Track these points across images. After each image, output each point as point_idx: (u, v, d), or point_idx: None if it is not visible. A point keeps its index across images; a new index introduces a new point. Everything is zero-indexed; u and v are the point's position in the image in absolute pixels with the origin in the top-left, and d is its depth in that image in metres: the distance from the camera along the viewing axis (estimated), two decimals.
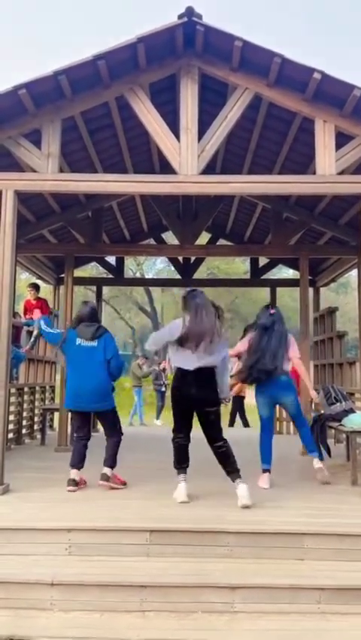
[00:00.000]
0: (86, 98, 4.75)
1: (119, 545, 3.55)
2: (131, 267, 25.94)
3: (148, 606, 3.16)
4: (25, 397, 7.95)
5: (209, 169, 4.86)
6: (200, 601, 3.17)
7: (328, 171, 4.64)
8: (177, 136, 4.70)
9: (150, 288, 28.04)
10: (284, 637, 2.93)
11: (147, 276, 26.95)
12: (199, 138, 4.69)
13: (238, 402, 11.14)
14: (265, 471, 4.75)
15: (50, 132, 4.70)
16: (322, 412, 6.16)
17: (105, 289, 28.23)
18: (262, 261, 9.40)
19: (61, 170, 4.76)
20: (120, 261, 9.49)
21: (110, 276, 9.64)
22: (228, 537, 3.55)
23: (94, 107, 4.97)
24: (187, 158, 4.66)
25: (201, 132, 4.72)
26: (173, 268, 9.82)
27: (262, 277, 9.41)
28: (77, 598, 3.18)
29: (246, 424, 11.18)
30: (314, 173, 4.73)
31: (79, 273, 10.67)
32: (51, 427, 9.15)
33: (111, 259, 9.76)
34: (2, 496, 4.29)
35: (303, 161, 5.73)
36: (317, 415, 6.07)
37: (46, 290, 10.41)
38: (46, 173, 4.67)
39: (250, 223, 8.49)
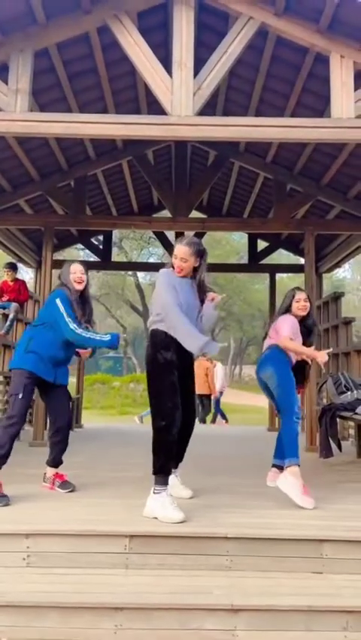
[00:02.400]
0: (62, 24, 4.05)
1: (91, 554, 2.82)
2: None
3: (124, 635, 2.43)
4: (1, 387, 7.19)
5: (207, 113, 4.16)
6: (192, 627, 2.45)
7: (345, 114, 3.96)
8: (170, 73, 4.01)
9: (142, 286, 27.35)
10: None
11: (138, 273, 26.27)
12: (195, 75, 4.00)
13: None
14: (272, 466, 4.00)
15: (19, 64, 3.99)
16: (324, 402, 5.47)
17: (95, 285, 27.47)
18: (261, 245, 8.75)
19: (31, 111, 4.03)
20: (107, 244, 8.79)
21: (97, 259, 8.94)
22: (227, 544, 2.83)
23: (72, 41, 4.27)
24: (181, 97, 3.96)
25: (198, 70, 4.03)
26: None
27: (260, 262, 8.76)
28: (32, 624, 2.44)
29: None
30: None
31: (64, 257, 9.98)
32: (30, 421, 8.40)
33: (99, 243, 9.07)
34: None
35: (316, 113, 5.04)
36: (326, 406, 5.37)
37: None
38: (14, 112, 3.96)
39: (250, 200, 7.82)
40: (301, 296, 3.96)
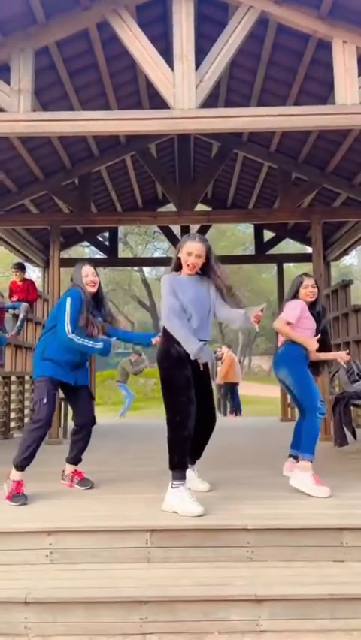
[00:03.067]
0: (62, 22, 4.02)
1: (113, 550, 2.85)
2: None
3: (150, 627, 2.45)
4: (13, 387, 7.26)
5: (209, 105, 4.13)
6: (216, 618, 2.47)
7: (350, 100, 3.91)
8: (171, 67, 3.98)
9: (148, 281, 27.34)
10: None
11: (145, 269, 26.23)
12: (197, 67, 3.97)
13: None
14: (289, 456, 4.00)
15: (20, 64, 3.98)
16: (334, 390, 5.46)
17: (102, 282, 27.74)
18: (267, 236, 8.72)
19: (34, 111, 4.02)
20: (114, 240, 8.79)
21: (104, 256, 8.94)
22: (248, 535, 2.85)
23: (72, 39, 4.26)
24: (183, 90, 3.92)
25: (199, 62, 4.00)
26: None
27: (267, 253, 8.72)
28: (58, 619, 2.47)
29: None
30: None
31: (71, 255, 10.02)
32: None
33: (104, 239, 9.07)
34: None
35: (319, 100, 4.99)
36: (340, 394, 5.35)
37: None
38: (17, 112, 3.94)
39: (254, 191, 7.78)
40: (308, 282, 3.93)
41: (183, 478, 3.16)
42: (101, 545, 2.86)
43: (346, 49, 3.97)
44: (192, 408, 3.18)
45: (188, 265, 3.29)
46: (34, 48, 4.04)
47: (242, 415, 11.66)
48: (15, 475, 3.47)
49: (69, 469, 3.86)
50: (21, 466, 3.49)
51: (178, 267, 3.39)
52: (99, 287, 3.83)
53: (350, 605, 2.50)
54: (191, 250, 3.27)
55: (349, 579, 2.63)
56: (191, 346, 3.12)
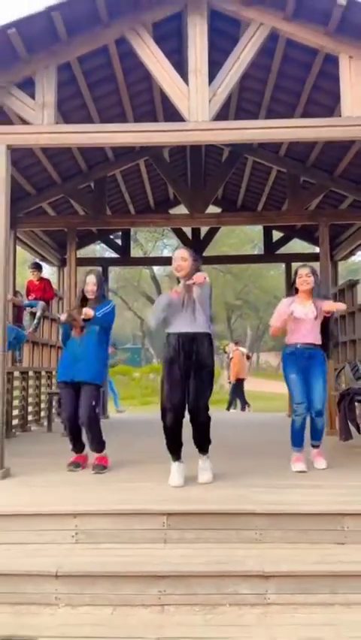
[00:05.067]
0: (83, 39, 4.27)
1: (133, 531, 3.12)
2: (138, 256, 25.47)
3: (168, 599, 2.72)
4: (31, 382, 7.55)
5: (221, 117, 4.36)
6: (228, 592, 2.73)
7: (355, 113, 4.13)
8: (186, 81, 4.22)
9: (157, 277, 27.59)
10: (327, 632, 2.48)
11: (154, 267, 26.48)
12: (210, 81, 4.21)
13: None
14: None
15: (44, 80, 4.24)
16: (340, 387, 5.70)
17: (111, 279, 27.94)
18: (276, 236, 8.93)
19: (56, 123, 4.28)
20: (126, 240, 9.05)
21: (117, 256, 9.20)
22: (257, 519, 3.10)
23: (92, 53, 4.49)
24: (197, 103, 4.17)
25: (212, 76, 4.23)
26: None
27: (276, 252, 8.94)
28: (85, 591, 2.75)
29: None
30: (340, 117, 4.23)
31: (85, 254, 10.30)
32: (59, 414, 8.77)
33: (118, 241, 9.32)
34: (2, 481, 3.87)
35: (326, 110, 5.21)
36: (345, 391, 5.59)
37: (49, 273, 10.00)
38: (41, 125, 4.22)
39: (264, 193, 8.00)
40: (302, 271, 4.26)
41: (172, 459, 3.76)
42: (121, 527, 3.13)
43: (352, 64, 4.19)
44: (168, 408, 3.68)
45: (176, 270, 3.81)
46: (58, 64, 4.31)
47: (249, 409, 11.95)
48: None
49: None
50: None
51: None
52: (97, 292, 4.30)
53: (349, 582, 2.75)
54: (176, 256, 3.85)
55: (348, 559, 2.88)
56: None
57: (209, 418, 3.76)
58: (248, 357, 13.38)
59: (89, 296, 4.28)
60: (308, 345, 4.19)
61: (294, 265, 9.30)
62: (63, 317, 4.33)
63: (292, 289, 4.35)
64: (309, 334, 4.19)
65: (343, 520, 3.10)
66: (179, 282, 3.88)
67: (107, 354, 4.50)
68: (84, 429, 4.20)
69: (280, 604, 2.70)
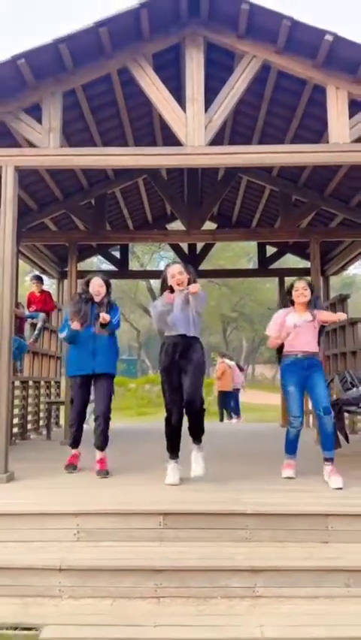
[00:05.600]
0: (87, 69, 4.57)
1: (131, 530, 3.33)
2: (134, 268, 25.76)
3: (163, 592, 2.93)
4: (30, 392, 7.75)
5: (216, 143, 4.64)
6: (219, 585, 2.95)
7: (342, 139, 4.43)
8: (183, 109, 4.52)
9: (154, 289, 27.86)
10: (311, 621, 2.69)
11: (151, 280, 26.74)
12: (206, 108, 4.50)
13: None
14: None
15: (50, 106, 4.53)
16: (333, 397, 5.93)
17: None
18: (270, 251, 9.21)
19: (61, 146, 4.55)
20: (124, 254, 9.30)
21: (115, 269, 9.45)
22: (247, 519, 3.32)
23: (95, 80, 4.78)
24: (194, 129, 4.46)
25: (208, 101, 4.53)
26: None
27: (269, 267, 9.22)
28: (87, 584, 2.96)
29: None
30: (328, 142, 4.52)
31: (83, 267, 10.52)
32: (57, 423, 8.95)
33: (116, 253, 9.57)
34: (7, 484, 4.07)
35: (315, 134, 5.51)
36: (334, 401, 5.82)
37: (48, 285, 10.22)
38: (47, 147, 4.49)
39: (258, 210, 8.29)
40: (298, 284, 4.35)
41: (171, 457, 4.08)
42: (120, 526, 3.34)
43: (338, 94, 4.50)
44: (173, 407, 4.03)
45: (177, 284, 4.06)
46: (63, 91, 4.59)
47: (239, 420, 12.05)
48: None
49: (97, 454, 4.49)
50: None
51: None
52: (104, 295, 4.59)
53: (333, 576, 2.97)
54: (174, 272, 4.12)
55: (332, 555, 3.10)
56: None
57: (204, 409, 4.10)
58: (241, 369, 13.46)
59: (96, 298, 4.51)
60: (308, 354, 4.24)
61: (287, 279, 9.61)
62: (76, 325, 4.43)
63: (287, 302, 4.42)
64: (309, 342, 4.24)
65: (327, 520, 3.32)
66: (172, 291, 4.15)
67: (117, 345, 4.73)
68: (98, 421, 4.43)
69: (268, 596, 2.92)
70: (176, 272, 4.12)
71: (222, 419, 12.07)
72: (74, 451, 4.62)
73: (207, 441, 4.17)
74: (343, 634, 2.56)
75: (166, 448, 4.15)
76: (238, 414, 12.22)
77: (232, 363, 12.64)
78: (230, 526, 3.32)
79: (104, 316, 4.40)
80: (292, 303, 4.37)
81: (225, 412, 12.25)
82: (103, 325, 4.44)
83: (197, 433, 4.09)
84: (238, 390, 12.35)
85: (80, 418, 4.57)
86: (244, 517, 3.33)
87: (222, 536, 3.29)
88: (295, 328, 4.25)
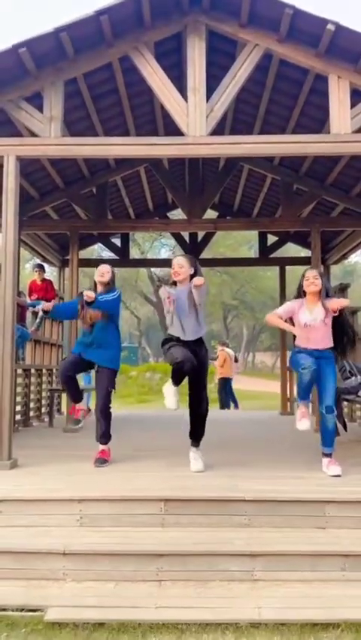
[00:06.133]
0: (89, 57, 4.55)
1: (133, 516, 3.40)
2: (135, 255, 25.74)
3: (165, 575, 3.02)
4: (32, 379, 7.82)
5: (218, 133, 4.64)
6: (219, 569, 3.03)
7: (343, 130, 4.43)
8: (185, 97, 4.51)
9: (155, 277, 27.85)
10: (307, 604, 2.78)
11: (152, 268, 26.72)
12: (207, 98, 4.50)
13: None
14: None
15: (52, 94, 4.52)
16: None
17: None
18: (271, 239, 9.21)
19: (62, 135, 4.56)
20: (125, 242, 9.31)
21: (116, 257, 9.47)
22: (246, 506, 3.40)
23: (96, 69, 4.77)
24: (195, 119, 4.46)
25: (209, 93, 4.52)
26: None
27: (270, 256, 9.22)
28: (90, 567, 3.04)
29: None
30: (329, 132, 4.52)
31: (84, 255, 10.54)
32: (59, 410, 9.04)
33: (116, 241, 9.58)
34: (11, 471, 4.16)
35: (317, 123, 5.49)
36: None
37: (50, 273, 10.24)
38: (48, 137, 4.50)
39: (259, 199, 8.29)
40: (309, 274, 4.25)
41: (172, 383, 4.03)
42: (122, 512, 3.42)
43: (340, 84, 4.48)
44: (184, 357, 3.95)
45: (173, 276, 4.15)
46: (64, 79, 4.58)
47: (238, 409, 12.24)
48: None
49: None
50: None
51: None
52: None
53: (329, 561, 3.06)
54: (173, 264, 4.22)
55: (328, 541, 3.19)
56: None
57: (207, 410, 4.19)
58: (236, 360, 13.60)
59: (100, 279, 4.57)
60: (319, 350, 4.15)
61: (288, 268, 9.63)
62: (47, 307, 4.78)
63: (300, 292, 4.29)
64: (321, 341, 4.14)
65: (325, 507, 3.40)
66: (175, 284, 4.20)
67: (119, 341, 4.73)
68: (97, 417, 4.48)
69: (266, 580, 3.00)
70: (175, 264, 4.20)
71: (222, 407, 12.21)
72: (78, 406, 4.71)
73: (207, 429, 4.25)
74: (337, 616, 2.65)
75: (171, 376, 4.05)
76: (235, 402, 12.40)
77: (231, 352, 12.94)
78: (229, 512, 3.40)
79: (88, 293, 4.37)
80: (304, 293, 4.27)
81: (226, 399, 12.41)
82: (89, 303, 4.41)
83: (198, 436, 4.21)
84: (231, 378, 12.51)
85: (65, 377, 4.54)
86: (243, 503, 3.41)
87: (222, 522, 3.37)
88: (306, 327, 4.16)
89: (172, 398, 4.03)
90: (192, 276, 4.15)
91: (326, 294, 4.23)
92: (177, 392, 4.05)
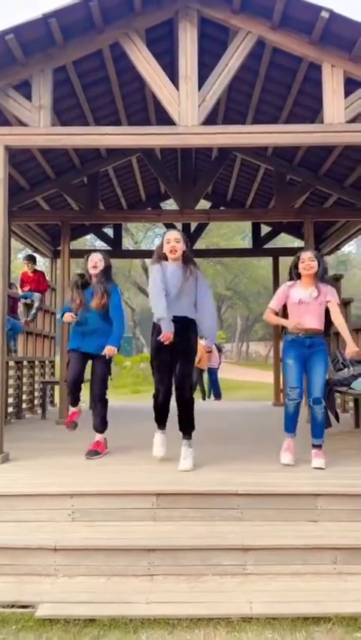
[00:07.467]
0: (78, 44, 4.44)
1: (125, 510, 3.39)
2: (129, 245, 25.60)
3: (156, 570, 3.01)
4: (25, 372, 7.78)
5: (210, 122, 4.57)
6: (211, 563, 3.03)
7: (336, 119, 4.37)
8: (176, 86, 4.43)
9: (148, 268, 27.77)
10: (299, 597, 2.78)
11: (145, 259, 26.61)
12: (199, 87, 4.42)
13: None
14: None
15: (40, 83, 4.42)
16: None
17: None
18: (264, 230, 9.17)
19: (52, 125, 4.47)
20: (118, 233, 9.22)
21: (108, 247, 9.39)
22: (238, 499, 3.40)
23: (87, 57, 4.67)
24: (187, 108, 4.38)
25: (202, 81, 4.44)
26: None
27: (264, 247, 9.18)
28: (81, 563, 3.03)
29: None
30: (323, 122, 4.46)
31: (76, 246, 10.47)
32: (52, 402, 9.01)
33: (109, 231, 9.50)
34: (2, 465, 4.13)
35: (311, 113, 5.43)
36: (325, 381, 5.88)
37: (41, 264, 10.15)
38: (38, 127, 4.40)
39: (252, 189, 8.22)
40: (305, 255, 4.15)
41: (158, 427, 4.22)
42: (114, 506, 3.41)
43: (334, 72, 4.41)
44: (162, 388, 4.06)
45: (170, 251, 4.00)
46: (53, 67, 4.48)
47: (220, 400, 12.02)
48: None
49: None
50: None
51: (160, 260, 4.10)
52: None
53: (320, 554, 3.06)
54: (170, 237, 4.05)
55: (320, 534, 3.19)
56: (157, 313, 3.90)
57: (193, 398, 4.13)
58: (219, 350, 13.44)
59: (92, 271, 4.46)
60: (311, 333, 4.06)
61: (281, 259, 9.60)
62: (67, 318, 4.47)
63: (293, 275, 4.19)
64: (312, 319, 4.04)
65: (316, 500, 3.40)
66: (166, 259, 4.07)
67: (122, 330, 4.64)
68: (94, 404, 4.50)
69: (258, 574, 3.01)
70: (172, 238, 4.04)
71: (204, 397, 12.19)
72: (73, 409, 4.64)
73: (199, 421, 4.23)
74: (328, 610, 2.65)
75: (154, 419, 4.22)
76: (218, 395, 12.16)
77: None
78: (222, 506, 3.39)
79: (109, 352, 4.36)
80: (299, 276, 4.17)
81: (204, 391, 12.35)
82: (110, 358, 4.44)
83: (186, 427, 4.07)
84: (215, 369, 12.29)
85: (74, 386, 4.50)
86: (236, 497, 3.40)
87: (214, 516, 3.37)
88: (300, 304, 4.05)
89: (159, 448, 4.18)
90: (183, 252, 4.07)
91: (321, 277, 4.12)
92: (164, 442, 4.20)
